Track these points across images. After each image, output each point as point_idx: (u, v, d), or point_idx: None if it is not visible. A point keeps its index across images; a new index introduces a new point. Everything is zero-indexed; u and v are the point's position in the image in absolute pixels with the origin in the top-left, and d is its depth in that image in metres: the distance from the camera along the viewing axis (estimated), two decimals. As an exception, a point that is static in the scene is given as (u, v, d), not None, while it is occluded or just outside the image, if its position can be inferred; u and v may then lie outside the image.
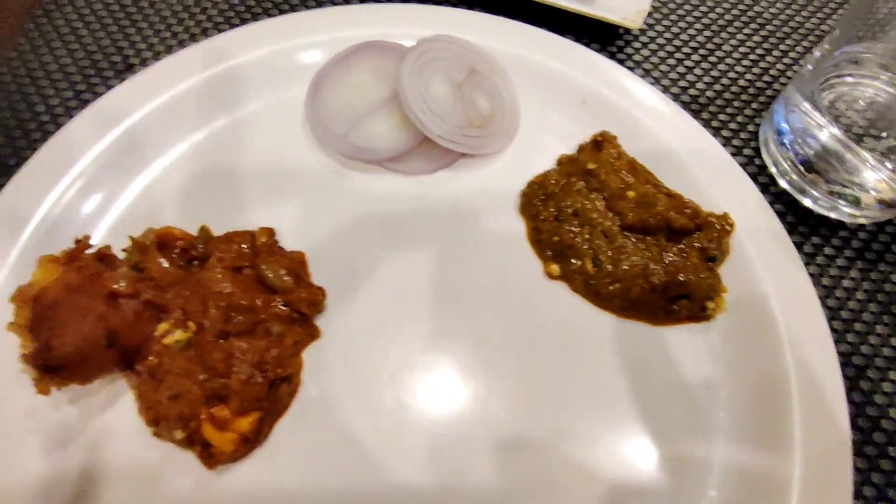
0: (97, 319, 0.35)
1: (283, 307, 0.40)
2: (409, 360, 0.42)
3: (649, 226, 0.43)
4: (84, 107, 0.48)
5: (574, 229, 0.44)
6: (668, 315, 0.42)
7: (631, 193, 0.44)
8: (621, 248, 0.43)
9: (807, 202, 0.51)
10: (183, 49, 0.52)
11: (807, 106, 0.49)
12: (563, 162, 0.48)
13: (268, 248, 0.42)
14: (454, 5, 0.61)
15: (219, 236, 0.43)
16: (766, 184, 0.52)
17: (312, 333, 0.41)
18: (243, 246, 0.42)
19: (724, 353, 0.43)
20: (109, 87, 0.51)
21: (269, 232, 0.44)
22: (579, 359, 0.42)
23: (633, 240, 0.43)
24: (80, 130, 0.47)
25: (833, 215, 0.50)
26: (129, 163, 0.47)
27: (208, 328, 0.36)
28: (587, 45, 0.56)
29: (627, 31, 0.60)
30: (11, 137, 0.51)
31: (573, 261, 0.44)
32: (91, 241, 0.40)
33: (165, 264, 0.39)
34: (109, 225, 0.45)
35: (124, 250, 0.40)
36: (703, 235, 0.43)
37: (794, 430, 0.39)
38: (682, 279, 0.41)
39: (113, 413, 0.39)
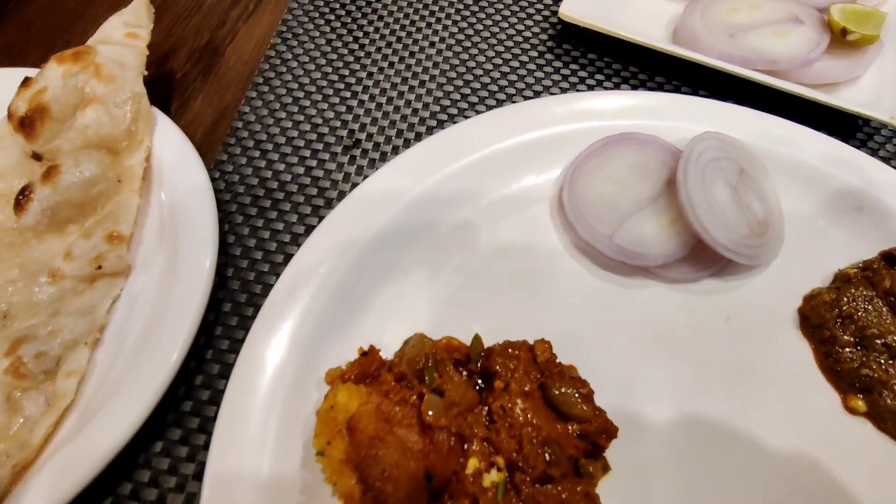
0: (421, 457, 0.32)
1: (579, 439, 0.37)
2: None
3: None
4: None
5: (884, 359, 0.40)
6: None
7: (960, 329, 0.39)
8: (948, 388, 0.38)
9: None
10: (422, 140, 0.49)
11: None
12: (854, 279, 0.44)
13: (552, 364, 0.39)
14: (689, 92, 0.58)
15: (495, 347, 0.40)
16: None
17: (605, 467, 0.38)
18: (527, 363, 0.38)
19: None
20: (338, 163, 0.50)
21: (548, 346, 0.40)
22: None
23: (962, 380, 0.39)
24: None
25: None
26: (377, 266, 0.45)
27: (528, 469, 0.32)
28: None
29: (867, 123, 0.56)
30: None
31: (886, 396, 0.39)
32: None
33: (461, 389, 0.36)
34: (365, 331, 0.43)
35: (418, 369, 0.37)
36: None
37: None
38: None
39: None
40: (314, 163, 0.52)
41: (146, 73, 0.49)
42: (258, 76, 0.57)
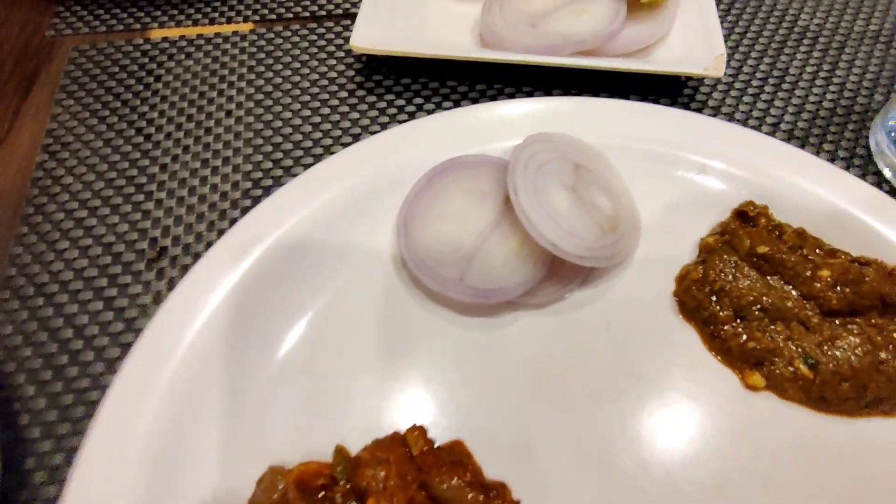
0: None
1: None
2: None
3: (859, 306, 0.37)
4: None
5: (767, 327, 0.38)
6: (910, 403, 0.36)
7: (825, 273, 0.37)
8: (833, 339, 0.36)
9: None
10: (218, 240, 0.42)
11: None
12: (716, 248, 0.41)
13: (430, 455, 0.33)
14: (494, 96, 0.55)
15: (361, 456, 0.34)
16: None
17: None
18: (400, 465, 0.33)
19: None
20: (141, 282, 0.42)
21: (422, 431, 0.34)
22: (819, 475, 0.35)
23: (842, 326, 0.37)
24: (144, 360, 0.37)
25: None
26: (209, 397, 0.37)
27: None
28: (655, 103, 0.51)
29: (688, 79, 0.56)
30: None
31: (779, 366, 0.37)
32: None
33: None
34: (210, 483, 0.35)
35: None
36: (913, 299, 0.37)
37: None
38: (922, 360, 0.35)
39: None
40: (114, 291, 0.43)
41: None
42: (27, 206, 0.47)
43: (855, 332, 0.37)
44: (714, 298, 0.39)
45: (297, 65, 0.57)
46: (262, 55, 0.58)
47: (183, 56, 0.58)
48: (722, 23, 0.61)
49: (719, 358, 0.39)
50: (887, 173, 0.49)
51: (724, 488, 0.35)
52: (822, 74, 0.57)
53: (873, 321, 0.37)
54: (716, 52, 0.51)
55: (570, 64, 0.50)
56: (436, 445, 0.35)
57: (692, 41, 0.54)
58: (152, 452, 0.33)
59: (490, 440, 0.36)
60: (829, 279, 0.37)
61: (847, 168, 0.50)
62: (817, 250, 0.40)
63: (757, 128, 0.53)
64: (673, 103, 0.54)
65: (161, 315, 0.37)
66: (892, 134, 0.49)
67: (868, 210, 0.42)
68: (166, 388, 0.35)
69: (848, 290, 0.37)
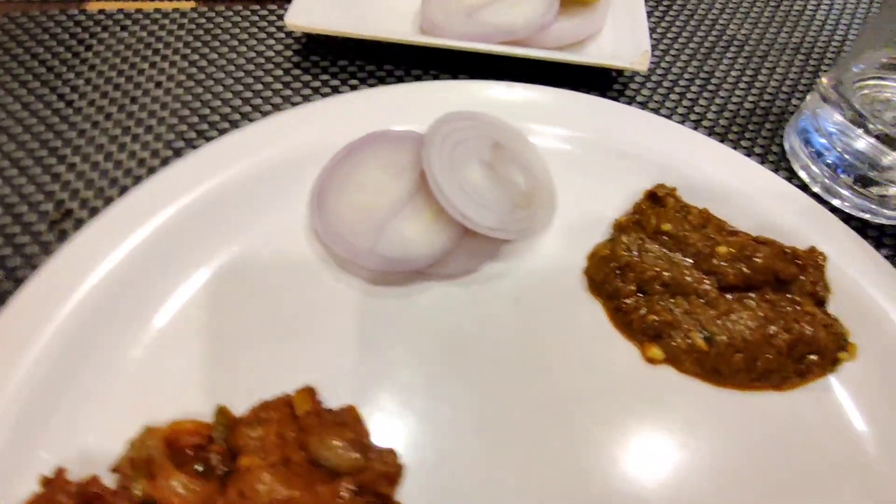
0: None
1: (353, 494, 0.30)
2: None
3: (754, 281, 0.38)
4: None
5: (667, 302, 0.38)
6: (801, 377, 0.37)
7: (722, 249, 0.38)
8: (729, 313, 0.37)
9: (838, 203, 0.49)
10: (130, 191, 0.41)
11: (836, 115, 0.47)
12: (626, 226, 0.42)
13: (314, 416, 0.32)
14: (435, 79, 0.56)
15: (243, 417, 0.33)
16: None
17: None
18: (284, 425, 0.32)
19: (863, 403, 0.37)
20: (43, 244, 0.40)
21: (310, 393, 0.34)
22: (712, 447, 0.35)
23: (738, 300, 0.38)
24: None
25: (868, 217, 0.48)
26: (95, 335, 0.36)
27: None
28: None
29: (620, 74, 0.58)
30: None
31: (676, 339, 0.37)
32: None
33: (181, 489, 0.28)
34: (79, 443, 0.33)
35: (116, 470, 0.29)
36: (807, 278, 0.38)
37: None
38: (809, 333, 0.36)
39: None
40: (8, 251, 0.42)
41: None
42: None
43: (749, 306, 0.37)
44: (619, 273, 0.40)
45: (236, 42, 0.57)
46: (201, 32, 0.58)
47: (118, 28, 0.57)
48: (657, 27, 0.63)
49: (622, 332, 0.39)
50: (802, 175, 0.51)
51: (617, 460, 0.35)
52: (745, 79, 0.59)
53: (767, 297, 0.38)
54: (642, 48, 0.52)
55: (498, 51, 0.51)
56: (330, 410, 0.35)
57: (621, 38, 0.56)
58: (20, 406, 0.31)
59: (387, 407, 0.36)
60: (727, 255, 0.38)
61: (761, 164, 0.52)
62: (722, 231, 0.41)
63: (680, 123, 0.55)
64: (603, 97, 0.56)
65: (46, 270, 0.36)
66: (803, 135, 0.51)
67: (770, 195, 0.44)
68: (45, 343, 0.33)
69: (743, 266, 0.38)
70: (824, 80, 0.49)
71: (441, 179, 0.39)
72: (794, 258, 0.38)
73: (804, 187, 0.50)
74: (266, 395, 0.34)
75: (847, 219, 0.47)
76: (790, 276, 0.37)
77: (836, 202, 0.49)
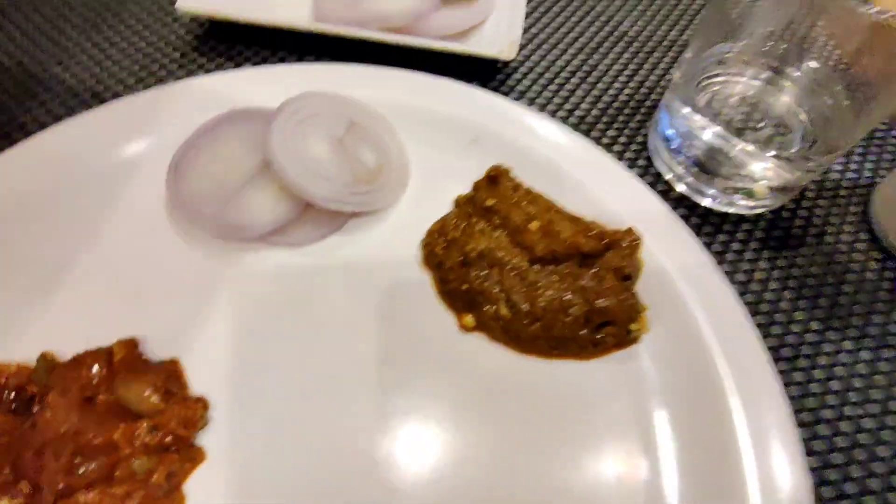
0: None
1: (151, 434, 0.33)
2: (324, 463, 0.36)
3: (559, 255, 0.40)
4: None
5: (482, 273, 0.41)
6: (596, 347, 0.40)
7: (535, 225, 0.41)
8: (534, 284, 0.40)
9: (706, 202, 0.51)
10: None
11: (686, 110, 0.50)
12: (461, 203, 0.45)
13: (128, 364, 0.36)
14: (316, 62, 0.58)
15: (65, 363, 0.36)
16: (665, 190, 0.52)
17: (193, 458, 0.35)
18: (96, 369, 0.35)
19: (656, 374, 0.40)
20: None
21: (130, 344, 0.37)
22: (513, 412, 0.38)
23: (546, 273, 0.41)
24: None
25: (732, 210, 0.51)
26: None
27: (45, 489, 0.29)
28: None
29: (506, 64, 0.60)
30: None
31: (487, 307, 0.40)
32: None
33: None
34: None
35: None
36: (615, 255, 0.41)
37: (739, 442, 0.37)
38: (601, 304, 0.39)
39: None
40: None
41: None
42: None
43: (555, 279, 0.40)
44: (446, 246, 0.43)
45: (133, 21, 0.60)
46: (91, 14, 0.61)
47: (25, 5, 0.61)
48: (552, 22, 0.66)
49: (445, 301, 0.42)
50: (659, 165, 0.53)
51: (427, 420, 0.38)
52: (626, 73, 0.62)
53: (570, 270, 0.41)
54: (512, 37, 0.55)
55: (373, 38, 0.54)
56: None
57: (501, 30, 0.58)
58: None
59: (209, 360, 0.39)
60: (537, 230, 0.41)
61: (621, 157, 0.55)
62: (549, 210, 0.44)
63: (553, 113, 0.57)
64: (485, 86, 0.58)
65: None
66: (660, 129, 0.53)
67: (609, 184, 0.47)
68: None
69: (550, 241, 0.40)
70: (677, 74, 0.52)
71: (278, 149, 0.42)
72: (600, 237, 0.41)
73: (658, 176, 0.53)
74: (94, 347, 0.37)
75: (708, 213, 0.50)
76: (591, 251, 0.40)
77: (705, 201, 0.51)
